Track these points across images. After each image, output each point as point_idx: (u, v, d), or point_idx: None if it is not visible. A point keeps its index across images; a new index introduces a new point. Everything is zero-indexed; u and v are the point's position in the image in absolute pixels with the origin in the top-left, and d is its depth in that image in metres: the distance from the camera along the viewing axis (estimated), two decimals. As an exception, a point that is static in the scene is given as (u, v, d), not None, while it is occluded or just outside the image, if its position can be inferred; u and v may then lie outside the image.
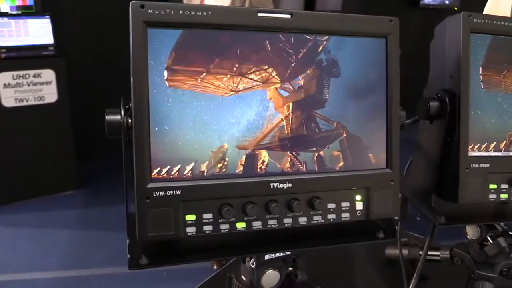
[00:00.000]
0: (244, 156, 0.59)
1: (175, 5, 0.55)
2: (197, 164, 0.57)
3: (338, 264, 1.10)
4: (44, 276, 2.46)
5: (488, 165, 0.70)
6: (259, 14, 0.58)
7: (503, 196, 0.71)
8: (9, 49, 2.96)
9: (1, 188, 3.14)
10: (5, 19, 2.95)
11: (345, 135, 0.63)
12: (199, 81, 0.57)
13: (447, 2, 5.49)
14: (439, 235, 0.95)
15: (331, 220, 0.63)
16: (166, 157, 0.56)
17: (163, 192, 0.55)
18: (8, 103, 2.99)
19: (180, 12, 0.55)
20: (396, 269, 0.95)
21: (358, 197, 0.64)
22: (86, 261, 2.58)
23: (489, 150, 0.71)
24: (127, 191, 0.57)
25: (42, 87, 3.08)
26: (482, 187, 0.70)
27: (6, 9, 3.03)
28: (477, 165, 0.69)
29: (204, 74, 0.57)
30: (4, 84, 2.94)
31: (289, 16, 0.59)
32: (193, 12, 0.55)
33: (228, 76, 0.58)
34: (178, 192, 0.56)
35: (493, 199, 0.71)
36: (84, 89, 3.59)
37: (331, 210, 0.63)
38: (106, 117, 0.57)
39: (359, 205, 0.64)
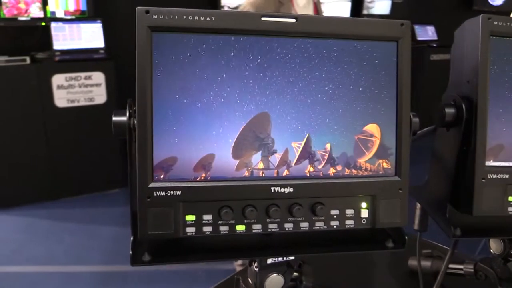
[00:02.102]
0: (245, 159, 0.60)
1: (178, 10, 0.56)
2: (198, 166, 0.58)
3: (359, 274, 1.08)
4: (87, 269, 2.57)
5: (507, 176, 0.66)
6: (263, 19, 0.58)
7: None
8: (63, 52, 3.12)
9: (52, 184, 3.31)
10: (60, 24, 3.12)
11: (351, 140, 0.62)
12: (201, 85, 0.58)
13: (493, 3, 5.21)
14: (471, 248, 0.91)
15: (334, 227, 0.62)
16: (168, 158, 0.57)
17: (163, 192, 0.57)
18: (61, 103, 3.15)
19: (184, 17, 0.56)
20: (418, 281, 0.92)
21: (364, 205, 0.63)
22: (127, 257, 2.65)
23: (510, 160, 0.67)
24: (132, 190, 0.59)
25: (92, 89, 3.22)
26: (501, 199, 0.66)
27: (61, 14, 3.21)
28: (495, 176, 0.66)
29: (207, 77, 0.58)
30: (58, 86, 3.11)
31: (293, 20, 0.59)
32: (196, 17, 0.56)
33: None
34: (178, 193, 0.57)
35: None
36: (131, 91, 3.71)
37: (335, 216, 0.62)
38: (113, 118, 0.59)
39: (365, 213, 0.63)
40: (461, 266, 0.91)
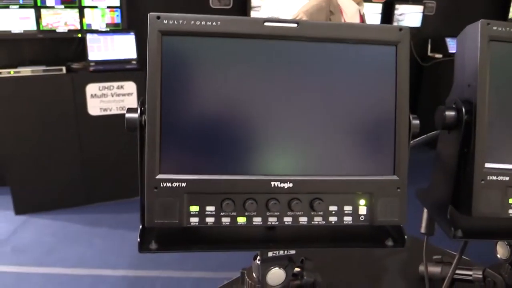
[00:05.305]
0: (247, 154, 0.63)
1: (187, 16, 0.61)
2: (202, 160, 0.62)
3: (367, 277, 1.08)
4: (115, 273, 2.63)
5: (507, 178, 0.67)
6: (266, 24, 0.62)
7: None
8: (97, 62, 3.25)
9: (84, 189, 3.43)
10: (95, 35, 3.26)
11: (351, 140, 0.65)
12: (207, 84, 0.62)
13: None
14: (486, 255, 0.91)
15: (333, 222, 0.65)
16: (174, 152, 0.61)
17: (169, 183, 0.61)
18: (94, 111, 3.27)
19: (192, 22, 0.61)
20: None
21: (362, 202, 0.65)
22: (153, 262, 2.72)
23: (510, 162, 0.68)
24: (142, 182, 0.63)
25: (124, 98, 3.33)
26: (500, 201, 0.67)
27: (96, 26, 3.35)
28: (494, 178, 0.67)
29: (212, 77, 0.62)
30: (91, 95, 3.23)
31: (295, 25, 0.63)
32: (203, 22, 0.61)
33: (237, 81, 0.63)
34: (183, 185, 0.61)
35: None
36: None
37: (333, 212, 0.65)
38: (126, 115, 0.64)
39: (363, 210, 0.65)
40: (470, 272, 0.91)
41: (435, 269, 0.97)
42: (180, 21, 0.61)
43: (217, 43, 0.62)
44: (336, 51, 0.64)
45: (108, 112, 3.31)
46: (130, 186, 3.41)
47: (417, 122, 0.67)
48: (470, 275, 0.91)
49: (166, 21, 0.60)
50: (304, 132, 0.64)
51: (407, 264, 1.10)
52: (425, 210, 0.85)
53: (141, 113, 0.63)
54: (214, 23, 0.61)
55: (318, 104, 0.64)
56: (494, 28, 0.66)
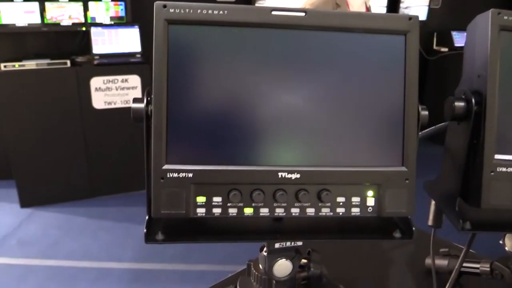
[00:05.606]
0: (254, 144, 0.62)
1: (194, 4, 0.60)
2: (209, 151, 0.62)
3: (374, 270, 1.08)
4: (120, 266, 2.65)
5: None
6: (273, 13, 0.61)
7: None
8: (101, 56, 3.25)
9: (88, 182, 3.44)
10: (99, 29, 3.26)
11: (359, 130, 0.64)
12: (213, 74, 0.61)
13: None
14: (494, 248, 0.91)
15: (340, 213, 0.64)
16: (181, 143, 0.61)
17: (176, 174, 0.61)
18: (98, 105, 3.28)
19: (199, 11, 0.60)
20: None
21: (370, 193, 0.65)
22: (158, 256, 2.73)
23: None
24: (148, 172, 0.63)
25: (129, 92, 3.33)
26: (510, 193, 0.66)
27: (100, 19, 3.35)
28: (504, 169, 0.66)
29: (219, 67, 0.61)
30: (96, 88, 3.23)
31: (303, 14, 0.62)
32: (210, 11, 0.60)
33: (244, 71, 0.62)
34: (190, 175, 0.61)
35: None
36: (166, 94, 3.81)
37: (341, 203, 0.64)
38: (132, 105, 0.63)
39: (370, 201, 0.65)
40: (477, 265, 0.90)
41: (442, 262, 0.97)
42: (187, 10, 0.60)
43: (224, 32, 0.61)
44: (344, 40, 0.63)
45: (113, 106, 3.31)
46: (134, 179, 3.44)
47: (426, 113, 0.66)
48: (478, 268, 0.90)
49: (173, 9, 0.60)
50: (312, 123, 0.63)
51: (413, 257, 1.10)
52: (433, 202, 0.84)
53: (147, 103, 0.62)
54: (221, 12, 0.60)
55: (326, 94, 0.63)
56: (505, 17, 0.65)
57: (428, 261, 1.02)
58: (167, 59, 0.60)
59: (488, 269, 0.88)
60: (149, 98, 0.62)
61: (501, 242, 0.84)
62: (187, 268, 2.62)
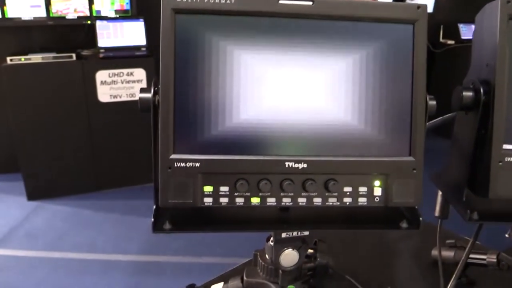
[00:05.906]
0: (262, 134, 0.62)
1: (201, -7, 0.60)
2: (216, 140, 0.62)
3: (380, 261, 1.08)
4: (125, 258, 2.67)
5: None
6: (280, 2, 0.61)
7: None
8: (107, 49, 3.25)
9: (94, 175, 3.46)
10: (105, 22, 3.26)
11: (367, 120, 0.64)
12: (220, 63, 0.61)
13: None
14: (500, 241, 0.90)
15: (347, 203, 0.64)
16: (188, 132, 0.61)
17: (183, 163, 0.61)
18: (104, 98, 3.28)
19: (206, 0, 0.60)
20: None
21: (377, 183, 0.65)
22: (163, 248, 2.75)
23: None
24: (155, 162, 0.63)
25: (134, 85, 3.33)
26: None
27: (105, 13, 3.35)
28: None
29: (226, 56, 0.61)
30: (101, 81, 3.24)
31: (310, 3, 0.61)
32: (217, 0, 0.60)
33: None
34: (197, 165, 0.61)
35: None
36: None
37: (348, 193, 0.64)
38: (139, 95, 0.63)
39: (378, 191, 0.65)
40: (484, 256, 0.90)
41: (448, 253, 0.96)
42: None
43: (231, 21, 0.61)
44: (352, 29, 0.63)
45: (118, 99, 3.32)
46: (140, 172, 3.45)
47: (434, 103, 0.65)
48: (484, 259, 0.90)
49: None
50: (319, 112, 0.63)
51: (420, 248, 1.10)
52: (440, 193, 0.84)
53: (155, 93, 0.63)
54: (228, 1, 0.60)
55: (333, 84, 0.63)
56: None
57: (435, 252, 1.02)
58: (174, 49, 0.60)
59: (495, 260, 0.88)
60: (156, 88, 0.62)
61: (507, 235, 0.84)
62: (193, 260, 2.63)
